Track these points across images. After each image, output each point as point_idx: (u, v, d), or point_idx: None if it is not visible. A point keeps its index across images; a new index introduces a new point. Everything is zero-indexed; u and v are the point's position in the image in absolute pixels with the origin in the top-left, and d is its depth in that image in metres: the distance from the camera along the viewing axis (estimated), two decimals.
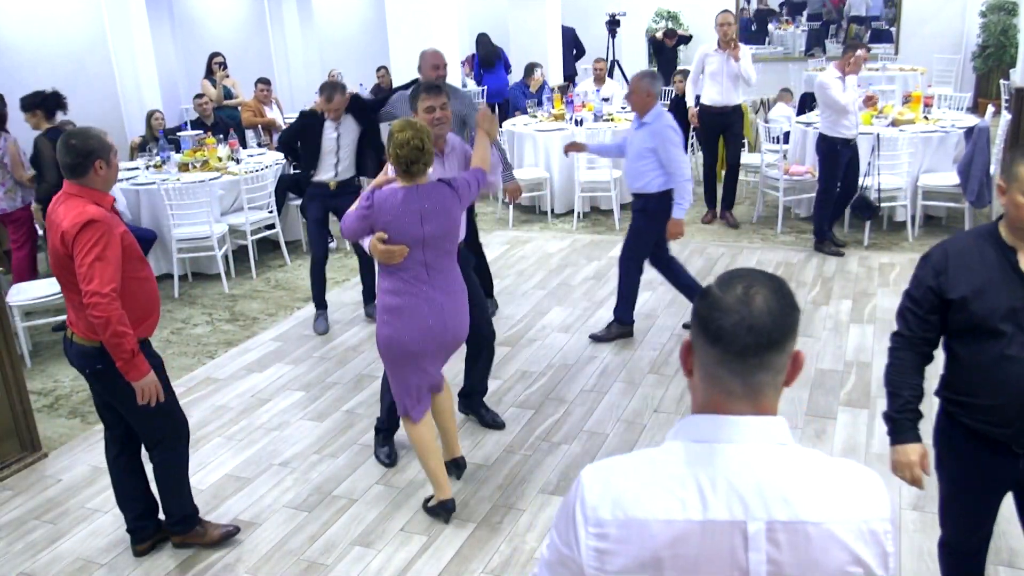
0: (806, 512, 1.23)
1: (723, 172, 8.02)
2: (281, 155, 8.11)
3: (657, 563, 1.25)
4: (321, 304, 6.08)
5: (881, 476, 1.36)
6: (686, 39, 11.39)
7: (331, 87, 5.79)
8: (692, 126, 8.09)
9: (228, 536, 3.70)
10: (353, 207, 3.53)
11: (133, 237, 3.31)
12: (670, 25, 14.57)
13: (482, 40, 11.86)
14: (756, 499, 1.23)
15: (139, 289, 3.29)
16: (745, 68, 7.45)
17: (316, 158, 5.86)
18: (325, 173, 5.89)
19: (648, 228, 5.29)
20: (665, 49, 11.60)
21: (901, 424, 2.55)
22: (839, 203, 6.96)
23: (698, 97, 7.89)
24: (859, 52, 6.51)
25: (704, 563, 1.24)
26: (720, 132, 7.74)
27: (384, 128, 5.47)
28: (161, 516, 3.70)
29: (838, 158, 6.64)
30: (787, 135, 8.06)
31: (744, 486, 1.24)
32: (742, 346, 1.26)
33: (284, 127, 9.61)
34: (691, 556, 1.24)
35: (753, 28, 14.63)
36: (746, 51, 7.56)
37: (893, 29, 13.51)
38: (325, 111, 5.74)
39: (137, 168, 7.62)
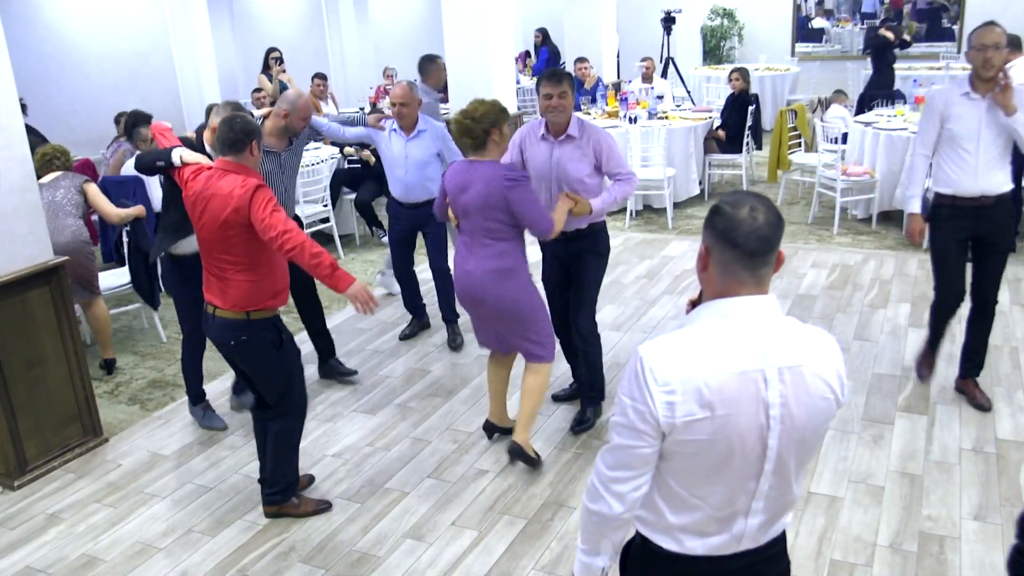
0: (799, 359, 1.74)
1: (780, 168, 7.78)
2: (336, 149, 8.23)
3: (711, 405, 1.70)
4: (198, 398, 4.77)
5: None
6: (907, 43, 10.66)
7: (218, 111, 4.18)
8: (916, 234, 4.45)
9: (321, 511, 3.90)
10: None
11: None
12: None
13: (546, 34, 11.91)
14: (770, 352, 1.72)
15: (277, 262, 3.61)
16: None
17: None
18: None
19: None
20: (888, 50, 10.70)
21: None
22: None
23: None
24: None
25: (742, 400, 1.71)
26: (971, 239, 4.32)
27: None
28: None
29: None
30: (845, 136, 7.92)
31: (761, 344, 1.72)
32: (753, 249, 1.73)
33: None
34: (732, 396, 1.70)
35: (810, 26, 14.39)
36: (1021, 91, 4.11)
37: (956, 27, 13.19)
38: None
39: None
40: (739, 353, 1.71)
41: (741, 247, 1.72)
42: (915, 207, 4.40)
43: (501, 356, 4.27)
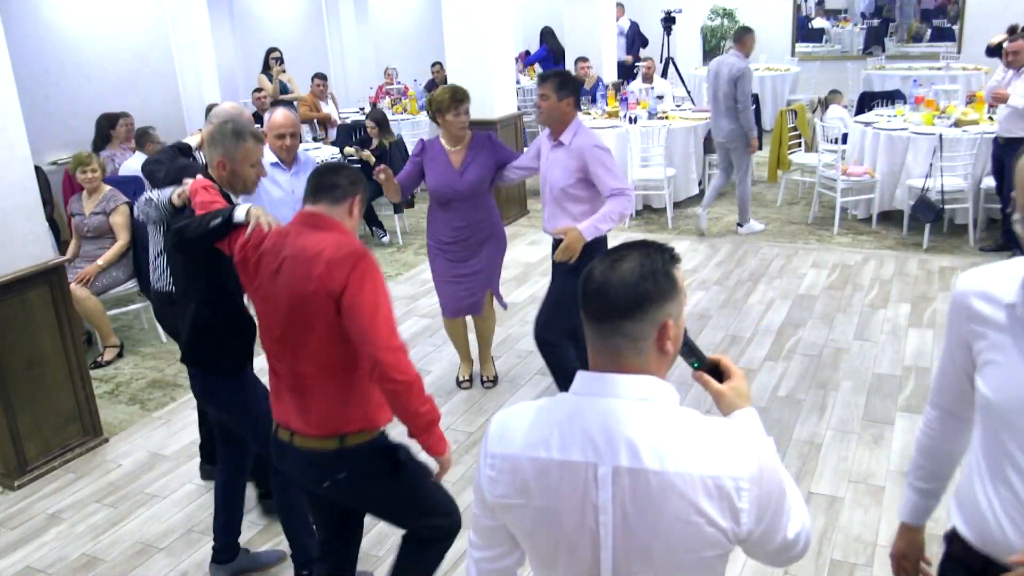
0: (649, 461, 1.34)
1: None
2: (336, 149, 8.23)
3: (527, 491, 1.43)
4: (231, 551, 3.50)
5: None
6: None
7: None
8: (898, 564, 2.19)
9: None
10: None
11: None
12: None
13: (550, 32, 11.96)
14: (606, 446, 1.37)
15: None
16: None
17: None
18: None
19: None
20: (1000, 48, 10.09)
21: None
22: None
23: None
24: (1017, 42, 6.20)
25: (564, 495, 1.40)
26: None
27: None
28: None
29: None
30: (845, 136, 7.93)
31: (596, 434, 1.38)
32: (595, 311, 1.40)
33: (339, 122, 9.73)
34: (553, 488, 1.41)
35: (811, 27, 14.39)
36: None
37: (956, 27, 13.19)
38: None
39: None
40: (572, 438, 1.39)
41: (584, 306, 1.41)
42: (907, 511, 2.00)
43: (460, 319, 4.89)
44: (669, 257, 1.43)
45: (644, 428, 1.37)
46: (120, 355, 5.71)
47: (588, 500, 1.39)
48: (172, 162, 3.60)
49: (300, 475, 2.59)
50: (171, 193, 3.17)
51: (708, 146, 8.82)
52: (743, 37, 7.36)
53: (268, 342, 2.53)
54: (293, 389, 2.48)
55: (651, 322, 1.38)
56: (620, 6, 12.22)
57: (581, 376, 1.45)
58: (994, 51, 10.07)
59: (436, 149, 4.53)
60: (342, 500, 2.66)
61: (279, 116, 4.27)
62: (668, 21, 11.53)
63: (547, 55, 11.92)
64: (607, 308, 1.38)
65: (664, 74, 11.27)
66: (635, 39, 12.52)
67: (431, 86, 11.73)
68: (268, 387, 2.65)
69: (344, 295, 2.31)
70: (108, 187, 5.86)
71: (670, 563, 1.39)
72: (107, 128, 7.43)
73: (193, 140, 3.88)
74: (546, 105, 4.10)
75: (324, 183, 2.49)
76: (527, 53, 12.72)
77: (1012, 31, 9.72)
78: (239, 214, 2.68)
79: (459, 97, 4.40)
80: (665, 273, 1.40)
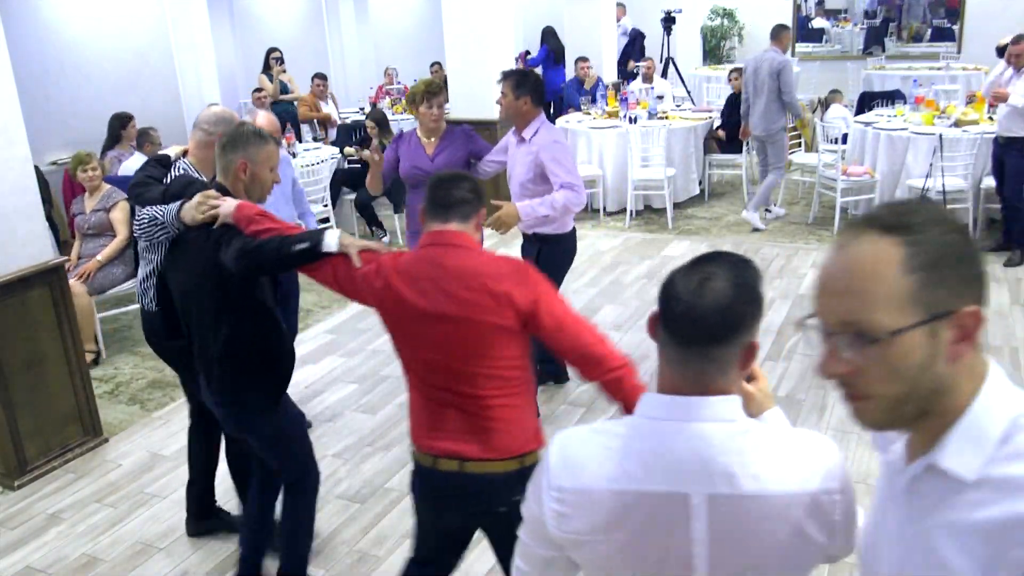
0: (746, 486, 1.28)
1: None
2: (336, 149, 8.23)
3: (606, 527, 1.33)
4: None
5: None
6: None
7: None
8: None
9: None
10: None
11: None
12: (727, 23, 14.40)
13: (551, 32, 11.98)
14: (698, 473, 1.29)
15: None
16: None
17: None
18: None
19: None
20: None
21: None
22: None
23: None
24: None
25: (650, 530, 1.32)
26: None
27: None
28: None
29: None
30: (845, 136, 7.93)
31: (687, 461, 1.30)
32: (686, 336, 1.31)
33: (339, 122, 9.74)
34: (637, 523, 1.32)
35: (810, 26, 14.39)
36: None
37: (956, 27, 13.19)
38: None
39: None
40: (657, 468, 1.31)
41: (670, 329, 1.33)
42: None
43: None
44: (755, 273, 1.36)
45: (736, 451, 1.30)
46: (96, 362, 5.58)
47: (678, 531, 1.31)
48: (158, 180, 3.39)
49: (471, 504, 2.37)
50: (177, 209, 2.93)
51: (708, 146, 8.82)
52: (779, 34, 7.72)
53: (423, 370, 2.36)
54: (465, 411, 2.29)
55: (740, 344, 1.33)
56: (621, 6, 12.23)
57: (658, 400, 1.36)
58: (1003, 51, 10.08)
59: (412, 139, 4.61)
60: (501, 530, 2.37)
61: (263, 121, 4.10)
62: (668, 21, 11.53)
63: (547, 56, 11.93)
64: (697, 333, 1.30)
65: (664, 74, 11.28)
66: (635, 41, 12.53)
67: None
68: (411, 412, 2.43)
69: (538, 311, 2.23)
70: (108, 185, 5.90)
71: None
72: (119, 128, 7.41)
73: (172, 151, 3.70)
74: (504, 103, 4.24)
75: (451, 200, 2.33)
76: (527, 53, 12.72)
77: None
78: (330, 243, 2.46)
79: (432, 90, 4.45)
80: (755, 293, 1.34)
